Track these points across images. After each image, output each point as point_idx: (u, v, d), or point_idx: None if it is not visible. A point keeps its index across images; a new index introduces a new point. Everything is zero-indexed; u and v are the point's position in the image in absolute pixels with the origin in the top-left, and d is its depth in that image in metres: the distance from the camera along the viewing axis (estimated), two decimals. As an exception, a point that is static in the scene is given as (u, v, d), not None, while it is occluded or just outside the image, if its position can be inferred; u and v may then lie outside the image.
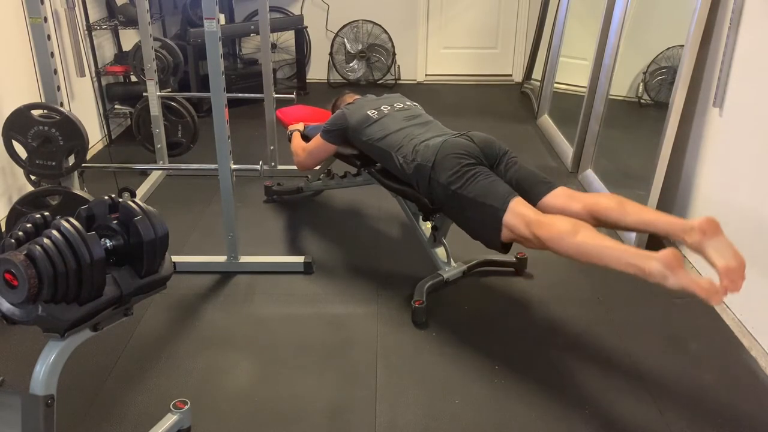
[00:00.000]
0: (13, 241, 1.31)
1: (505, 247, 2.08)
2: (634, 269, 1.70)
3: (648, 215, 1.94)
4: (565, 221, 1.90)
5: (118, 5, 4.08)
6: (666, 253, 1.65)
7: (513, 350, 2.19)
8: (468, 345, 2.21)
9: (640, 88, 3.31)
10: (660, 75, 3.13)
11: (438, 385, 2.02)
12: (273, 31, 4.76)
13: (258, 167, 2.58)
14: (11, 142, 2.38)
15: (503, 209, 2.00)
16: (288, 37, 5.36)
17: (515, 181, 2.19)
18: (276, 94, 3.48)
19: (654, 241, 2.83)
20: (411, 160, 2.28)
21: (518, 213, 1.98)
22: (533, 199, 2.12)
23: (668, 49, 3.03)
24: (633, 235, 2.80)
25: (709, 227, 1.74)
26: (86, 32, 3.82)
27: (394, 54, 5.43)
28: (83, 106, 3.82)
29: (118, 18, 4.02)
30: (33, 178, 2.64)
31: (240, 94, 3.76)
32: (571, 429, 1.85)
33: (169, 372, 2.07)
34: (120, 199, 1.44)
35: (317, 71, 5.55)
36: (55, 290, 1.26)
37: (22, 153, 2.39)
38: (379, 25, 5.36)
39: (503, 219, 2.00)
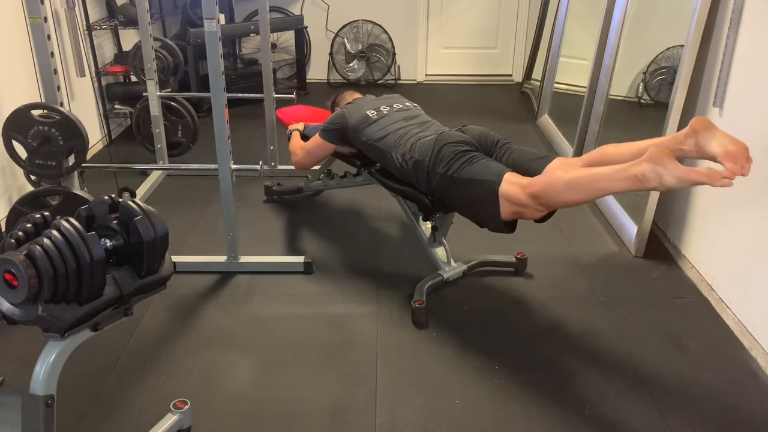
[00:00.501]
0: (13, 241, 1.31)
1: (509, 226, 2.07)
2: (630, 182, 1.68)
3: (642, 143, 1.91)
4: (553, 171, 1.92)
5: (118, 5, 4.08)
6: (651, 150, 1.63)
7: (513, 350, 2.19)
8: (468, 345, 2.21)
9: (640, 88, 3.31)
10: (660, 75, 3.12)
11: (438, 385, 2.02)
12: (273, 31, 4.76)
13: (258, 167, 2.58)
14: (11, 142, 2.38)
15: (499, 181, 2.01)
16: (288, 37, 5.36)
17: (512, 162, 2.20)
18: (276, 94, 3.48)
19: (653, 244, 2.83)
20: (409, 157, 2.29)
21: (513, 181, 2.00)
22: (532, 175, 2.11)
23: (668, 49, 3.03)
24: (633, 230, 2.80)
25: (700, 125, 1.72)
26: (86, 32, 3.82)
27: (394, 54, 5.43)
28: (83, 106, 3.82)
29: (118, 18, 4.02)
30: (33, 178, 2.64)
31: (240, 94, 3.76)
32: (571, 429, 1.85)
33: (169, 372, 2.07)
34: (120, 199, 1.44)
35: (317, 71, 5.55)
36: (55, 290, 1.26)
37: (22, 153, 2.39)
38: (379, 25, 5.36)
39: (499, 190, 2.00)
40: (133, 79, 4.18)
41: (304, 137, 2.89)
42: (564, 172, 1.89)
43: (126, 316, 1.48)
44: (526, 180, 1.98)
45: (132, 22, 3.94)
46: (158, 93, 3.39)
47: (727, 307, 2.35)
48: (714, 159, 1.70)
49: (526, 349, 2.19)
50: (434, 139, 2.25)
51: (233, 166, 2.49)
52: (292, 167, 2.94)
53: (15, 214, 2.45)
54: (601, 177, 1.76)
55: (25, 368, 2.04)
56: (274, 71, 4.86)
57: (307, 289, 2.55)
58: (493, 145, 2.29)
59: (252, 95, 3.67)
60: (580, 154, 3.57)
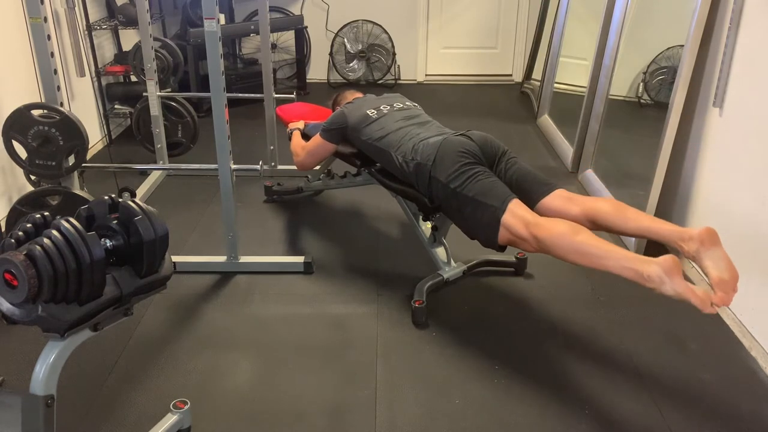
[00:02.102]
0: (13, 241, 1.31)
1: (502, 248, 2.09)
2: (633, 273, 1.71)
3: (646, 221, 1.94)
4: (563, 223, 1.90)
5: (118, 5, 4.08)
6: (666, 258, 1.65)
7: (513, 350, 2.19)
8: (468, 345, 2.21)
9: (640, 88, 3.31)
10: (660, 75, 3.13)
11: (438, 385, 2.02)
12: (273, 31, 4.76)
13: (258, 167, 2.58)
14: (11, 142, 2.38)
15: (502, 209, 2.01)
16: (288, 37, 5.36)
17: (515, 181, 2.19)
18: (276, 94, 3.48)
19: (652, 247, 2.83)
20: (411, 159, 2.29)
21: (517, 214, 1.99)
22: (532, 200, 2.13)
23: (668, 49, 3.03)
24: (633, 239, 2.80)
25: (707, 237, 1.74)
26: (86, 32, 3.82)
27: (394, 54, 5.43)
28: (83, 106, 3.82)
29: (118, 18, 4.02)
30: (33, 178, 2.64)
31: (240, 94, 3.76)
32: (571, 429, 1.85)
33: (169, 372, 2.07)
34: (120, 199, 1.44)
35: (317, 71, 5.55)
36: (55, 290, 1.26)
37: (22, 153, 2.39)
38: (379, 25, 5.36)
39: (502, 219, 2.01)
40: (133, 79, 4.18)
41: (305, 136, 2.89)
42: (573, 231, 1.85)
43: (126, 316, 1.48)
44: (530, 217, 1.97)
45: (132, 22, 3.94)
46: (158, 93, 3.39)
47: (727, 307, 2.34)
48: (706, 275, 1.74)
49: (526, 349, 2.19)
50: (438, 144, 2.23)
51: (233, 166, 2.49)
52: (292, 167, 2.94)
53: (15, 214, 2.45)
54: (609, 256, 1.76)
55: (25, 368, 2.04)
56: (274, 71, 4.86)
57: (307, 289, 2.55)
58: (497, 156, 2.26)
59: (252, 95, 3.67)
60: (580, 154, 3.58)
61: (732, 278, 1.70)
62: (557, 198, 2.12)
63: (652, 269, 1.66)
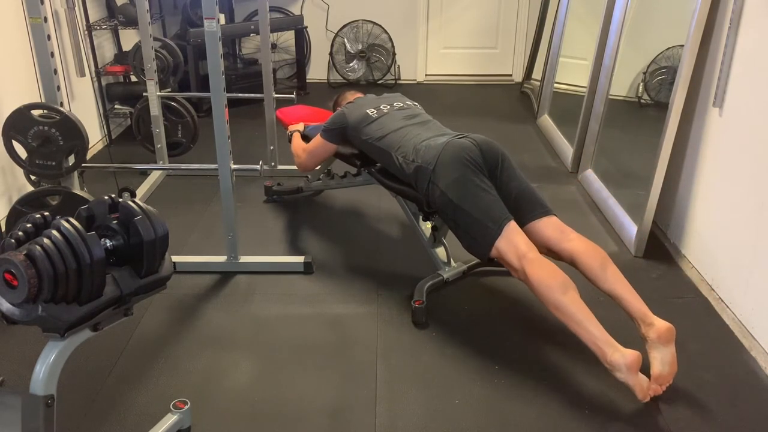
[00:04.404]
0: (13, 241, 1.31)
1: (490, 261, 2.14)
2: (598, 351, 1.88)
3: (621, 290, 2.04)
4: (555, 273, 1.98)
5: (118, 5, 4.08)
6: (632, 354, 1.84)
7: (513, 350, 2.19)
8: (468, 345, 2.21)
9: (640, 88, 3.31)
10: (660, 75, 3.12)
11: (438, 385, 2.02)
12: (273, 31, 4.76)
13: (258, 167, 2.58)
14: (11, 142, 2.38)
15: (498, 232, 2.06)
16: (288, 37, 5.36)
17: (513, 196, 2.20)
18: (276, 94, 3.48)
19: (653, 244, 2.83)
20: (411, 160, 2.28)
21: (511, 241, 2.04)
22: (525, 218, 2.18)
23: (668, 49, 3.03)
24: (633, 230, 2.80)
25: (666, 334, 1.91)
26: (86, 32, 3.82)
27: (394, 54, 5.43)
28: (83, 106, 3.82)
29: (118, 18, 4.02)
30: (33, 178, 2.64)
31: (240, 94, 3.76)
32: (571, 429, 1.85)
33: (169, 372, 2.07)
34: (120, 199, 1.44)
35: (317, 71, 5.55)
36: (55, 290, 1.26)
37: (22, 153, 2.39)
38: (379, 25, 5.36)
39: (495, 243, 2.06)
40: (133, 79, 4.18)
41: (305, 138, 2.89)
42: (562, 288, 1.93)
43: (126, 316, 1.48)
44: (524, 248, 2.02)
45: (132, 22, 3.94)
46: (158, 93, 3.39)
47: (727, 307, 2.35)
48: (650, 362, 1.92)
49: (526, 349, 2.19)
50: (440, 147, 2.22)
51: (233, 166, 2.49)
52: (293, 167, 2.95)
53: (15, 214, 2.45)
54: (585, 326, 1.90)
55: (25, 368, 2.04)
56: (274, 71, 4.86)
57: (307, 289, 2.55)
58: (498, 162, 2.25)
59: (252, 95, 3.67)
60: (580, 154, 3.58)
61: (670, 374, 1.92)
62: (549, 227, 2.17)
63: (617, 358, 1.84)
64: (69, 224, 1.30)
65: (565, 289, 1.93)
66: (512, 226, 2.07)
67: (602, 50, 3.39)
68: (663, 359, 1.91)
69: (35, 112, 2.35)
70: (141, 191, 3.35)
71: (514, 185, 2.23)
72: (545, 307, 2.00)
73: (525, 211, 2.18)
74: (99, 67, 3.98)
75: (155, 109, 3.40)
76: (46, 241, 1.26)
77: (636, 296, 2.01)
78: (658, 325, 1.92)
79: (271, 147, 3.57)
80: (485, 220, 2.07)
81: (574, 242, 2.13)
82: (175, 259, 2.52)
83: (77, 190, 2.47)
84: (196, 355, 2.15)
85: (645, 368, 1.90)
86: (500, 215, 2.08)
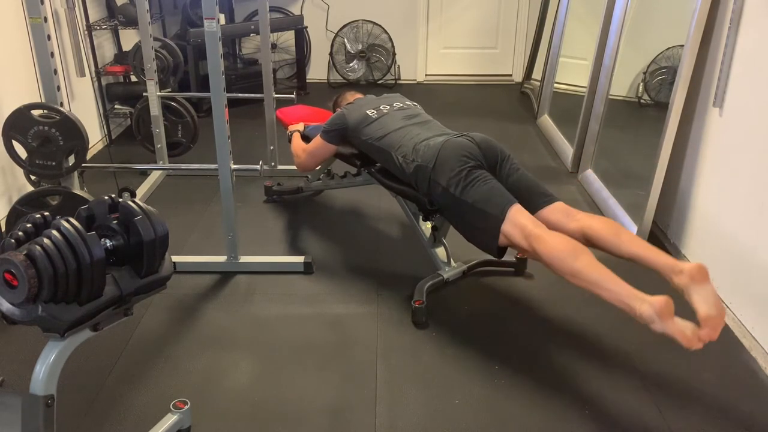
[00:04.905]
0: (13, 241, 1.31)
1: (500, 253, 2.10)
2: (626, 307, 1.76)
3: (640, 249, 1.96)
4: (565, 241, 1.91)
5: (118, 5, 4.08)
6: (660, 300, 1.70)
7: (513, 350, 2.19)
8: (468, 345, 2.21)
9: (640, 88, 3.31)
10: (660, 75, 3.13)
11: (438, 385, 2.02)
12: (273, 31, 4.76)
13: (258, 167, 2.58)
14: (11, 142, 2.38)
15: (502, 217, 2.02)
16: (288, 37, 5.36)
17: (515, 189, 2.19)
18: (276, 94, 3.48)
19: (653, 244, 2.83)
20: (411, 160, 2.28)
21: (517, 223, 2.00)
22: (531, 209, 2.15)
23: (668, 49, 3.03)
24: (634, 230, 2.79)
25: (698, 273, 1.79)
26: (86, 32, 3.82)
27: (394, 54, 5.43)
28: (83, 106, 3.82)
29: (118, 18, 4.02)
30: (33, 178, 2.64)
31: (240, 94, 3.76)
32: (571, 429, 1.85)
33: (169, 372, 2.07)
34: (120, 199, 1.44)
35: (317, 71, 5.55)
36: (55, 290, 1.26)
37: (22, 153, 2.39)
38: (379, 25, 5.36)
39: (501, 228, 2.02)
40: (133, 79, 4.18)
41: (305, 138, 2.89)
42: (573, 253, 1.86)
43: (126, 316, 1.48)
44: (531, 227, 1.97)
45: (132, 22, 3.94)
46: (158, 93, 3.39)
47: (727, 307, 2.34)
48: (694, 309, 1.77)
49: (525, 349, 2.19)
50: (439, 145, 2.22)
51: (233, 166, 2.49)
52: (292, 167, 2.94)
53: (15, 214, 2.45)
54: (605, 286, 1.80)
55: (25, 368, 2.04)
56: (274, 71, 4.86)
57: (307, 289, 2.55)
58: (499, 159, 2.25)
59: (252, 95, 3.67)
60: (580, 154, 3.58)
61: (719, 315, 1.75)
62: (556, 212, 2.14)
63: (645, 309, 1.71)
64: (69, 224, 1.30)
65: (576, 255, 1.86)
66: (516, 208, 2.04)
67: (602, 50, 3.39)
68: (705, 299, 1.76)
69: (35, 112, 2.35)
70: (141, 191, 3.35)
71: (515, 179, 2.23)
72: (545, 310, 1.99)
73: (529, 203, 2.15)
74: (99, 67, 3.98)
75: (155, 109, 3.40)
76: (46, 241, 1.26)
77: (658, 251, 1.93)
78: (688, 268, 1.80)
79: (271, 147, 3.57)
80: (489, 208, 2.05)
81: (582, 219, 2.07)
82: (175, 259, 2.52)
83: (77, 190, 2.47)
84: (196, 355, 2.15)
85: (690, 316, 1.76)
86: (503, 201, 2.06)
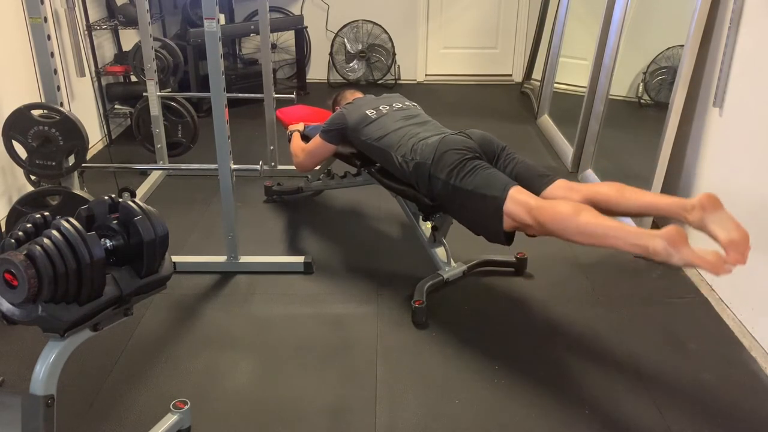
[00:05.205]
0: (13, 241, 1.31)
1: (508, 238, 2.07)
2: (639, 249, 1.70)
3: (647, 198, 1.93)
4: (566, 204, 1.90)
5: (118, 5, 4.08)
6: (669, 230, 1.64)
7: (513, 350, 2.19)
8: (468, 345, 2.21)
9: (640, 88, 3.31)
10: (660, 75, 3.13)
11: (438, 385, 2.02)
12: (273, 31, 4.76)
13: (258, 167, 2.58)
14: (11, 142, 2.38)
15: (503, 198, 2.01)
16: (288, 37, 5.35)
17: (515, 175, 2.19)
18: (276, 94, 3.48)
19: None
20: (410, 158, 2.29)
21: (519, 200, 1.99)
22: (534, 193, 2.12)
23: (668, 49, 3.03)
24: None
25: (709, 203, 1.73)
26: (86, 32, 3.82)
27: (394, 54, 5.43)
28: (83, 106, 3.82)
29: (118, 18, 4.02)
30: (33, 178, 2.64)
31: (240, 94, 3.76)
32: (571, 429, 1.85)
33: (169, 372, 2.07)
34: (120, 199, 1.44)
35: (317, 71, 5.54)
36: (55, 290, 1.26)
37: (22, 153, 2.39)
38: (379, 25, 5.35)
39: (504, 207, 2.00)
40: (133, 79, 4.18)
41: (305, 138, 2.89)
42: (575, 211, 1.85)
43: (126, 316, 1.48)
44: (533, 201, 1.96)
45: (132, 22, 3.94)
46: (158, 93, 3.39)
47: (727, 307, 2.35)
48: (715, 239, 1.72)
49: (526, 349, 2.19)
50: (437, 142, 2.23)
51: (233, 166, 2.49)
52: (292, 167, 2.94)
53: (15, 214, 2.45)
54: (614, 233, 1.76)
55: (25, 368, 2.04)
56: (274, 71, 4.86)
57: (307, 289, 2.55)
58: (497, 153, 2.26)
59: (252, 95, 3.66)
60: (580, 154, 3.58)
61: (741, 237, 1.67)
62: (558, 189, 2.12)
63: (657, 243, 1.65)
64: (69, 224, 1.30)
65: (578, 212, 1.84)
66: (517, 188, 2.02)
67: (602, 50, 3.39)
68: (722, 225, 1.70)
69: (35, 112, 2.35)
70: (141, 191, 3.35)
71: (514, 164, 2.23)
72: (545, 310, 1.99)
73: (532, 186, 2.13)
74: (99, 67, 3.98)
75: (155, 109, 3.40)
76: (46, 241, 1.26)
77: (664, 196, 1.89)
78: (697, 201, 1.74)
79: (271, 147, 3.57)
80: (489, 191, 2.04)
81: (584, 189, 2.06)
82: (175, 259, 2.51)
83: (77, 190, 2.47)
84: (196, 355, 2.15)
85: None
86: (503, 183, 2.05)
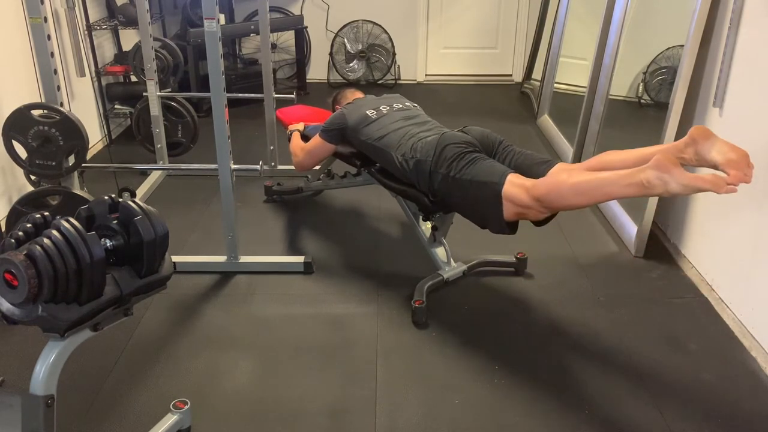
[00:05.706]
0: (13, 241, 1.31)
1: (511, 227, 2.07)
2: (634, 188, 1.70)
3: (642, 150, 1.92)
4: (557, 173, 1.94)
5: (118, 5, 4.08)
6: (657, 157, 1.65)
7: (513, 350, 2.19)
8: (468, 345, 2.21)
9: (640, 88, 3.31)
10: (660, 75, 3.13)
11: (438, 385, 2.02)
12: (273, 31, 4.76)
13: (258, 167, 2.58)
14: (11, 142, 2.38)
15: (501, 183, 2.02)
16: (288, 37, 5.35)
17: (514, 165, 2.20)
18: (276, 94, 3.48)
19: (653, 244, 2.84)
20: (411, 157, 2.29)
21: (516, 183, 2.00)
22: (535, 178, 2.12)
23: (668, 49, 3.03)
24: (633, 230, 2.80)
25: (699, 134, 1.72)
26: (86, 32, 3.82)
27: (394, 54, 5.43)
28: (83, 106, 3.82)
29: (118, 18, 4.02)
30: (33, 178, 2.64)
31: (240, 94, 3.76)
32: (571, 429, 1.85)
33: (169, 372, 2.07)
34: (120, 199, 1.44)
35: (317, 71, 5.54)
36: (55, 290, 1.26)
37: (22, 153, 2.39)
38: (379, 25, 5.35)
39: (502, 191, 2.01)
40: (133, 79, 4.18)
41: (305, 137, 2.89)
42: (569, 176, 1.90)
43: (126, 316, 1.48)
44: (529, 182, 1.98)
45: (132, 22, 3.94)
46: (158, 93, 3.38)
47: (727, 307, 2.35)
48: (715, 167, 1.70)
49: (526, 349, 2.19)
50: (436, 139, 2.25)
51: (233, 166, 2.49)
52: (292, 167, 2.94)
53: (15, 214, 2.45)
54: (606, 182, 1.78)
55: (25, 368, 2.04)
56: (274, 71, 4.86)
57: (307, 289, 2.55)
58: (495, 147, 2.28)
59: (252, 95, 3.66)
60: (580, 154, 3.58)
61: (740, 156, 1.65)
62: (558, 172, 2.11)
63: (649, 173, 1.66)
64: (69, 224, 1.30)
65: (570, 173, 1.87)
66: (515, 174, 2.05)
67: (602, 50, 3.39)
68: (718, 150, 1.67)
69: (35, 112, 2.35)
70: (141, 191, 3.35)
71: (512, 156, 2.24)
72: (545, 310, 1.99)
73: (532, 174, 2.13)
74: (99, 67, 3.98)
75: (155, 109, 3.40)
76: (46, 241, 1.26)
77: (657, 146, 1.87)
78: (688, 138, 1.73)
79: (271, 147, 3.57)
80: (488, 179, 2.06)
81: (583, 164, 2.06)
82: (175, 259, 2.51)
83: (77, 190, 2.47)
84: (196, 355, 2.15)
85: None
86: (501, 171, 2.07)
